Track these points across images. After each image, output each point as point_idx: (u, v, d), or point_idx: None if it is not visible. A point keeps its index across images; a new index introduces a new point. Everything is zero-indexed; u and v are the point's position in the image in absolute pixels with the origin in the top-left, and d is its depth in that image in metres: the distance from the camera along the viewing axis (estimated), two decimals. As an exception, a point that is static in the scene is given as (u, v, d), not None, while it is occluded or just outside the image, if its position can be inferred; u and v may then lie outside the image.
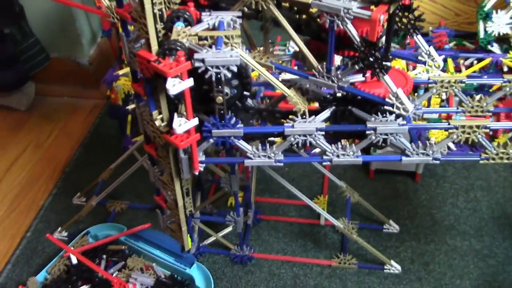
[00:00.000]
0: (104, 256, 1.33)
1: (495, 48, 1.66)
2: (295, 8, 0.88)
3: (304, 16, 0.89)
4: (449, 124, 0.87)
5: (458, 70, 1.66)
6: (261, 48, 0.96)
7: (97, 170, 1.53)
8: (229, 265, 1.37)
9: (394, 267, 1.31)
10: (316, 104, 0.97)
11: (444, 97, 1.54)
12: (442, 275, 1.31)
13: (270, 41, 0.96)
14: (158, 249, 1.35)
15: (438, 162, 0.91)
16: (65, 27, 1.88)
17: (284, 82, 0.95)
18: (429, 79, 0.97)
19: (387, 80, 0.82)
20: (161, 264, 1.32)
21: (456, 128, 0.87)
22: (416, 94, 1.40)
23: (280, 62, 0.95)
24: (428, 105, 1.47)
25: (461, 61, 1.69)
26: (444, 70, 1.63)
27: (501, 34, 1.63)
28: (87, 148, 1.79)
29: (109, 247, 1.35)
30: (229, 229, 1.42)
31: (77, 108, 1.99)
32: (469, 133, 0.88)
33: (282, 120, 0.97)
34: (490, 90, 1.52)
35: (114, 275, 1.28)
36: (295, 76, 0.93)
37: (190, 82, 0.79)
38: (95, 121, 1.91)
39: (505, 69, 1.61)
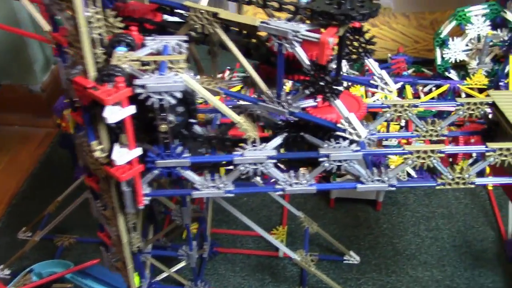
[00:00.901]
0: (48, 296, 1.24)
1: (453, 74, 1.67)
2: (244, 32, 0.85)
3: (253, 40, 0.85)
4: (403, 149, 0.84)
5: (416, 96, 1.66)
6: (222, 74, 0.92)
7: (46, 202, 1.45)
8: (183, 302, 1.30)
9: (354, 300, 1.26)
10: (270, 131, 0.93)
11: (403, 123, 1.53)
12: (404, 308, 1.27)
13: (229, 67, 0.92)
14: (108, 287, 1.27)
15: (394, 189, 0.87)
16: (17, 53, 1.81)
17: (234, 108, 0.91)
18: (383, 103, 0.94)
19: (338, 105, 0.78)
20: (109, 303, 1.24)
21: (411, 153, 0.84)
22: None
23: (238, 87, 0.91)
24: (387, 131, 1.46)
25: (420, 88, 1.69)
26: (403, 96, 1.63)
27: (458, 60, 1.64)
28: (37, 179, 1.70)
29: (53, 286, 1.27)
30: (183, 263, 1.35)
31: (28, 137, 1.90)
32: (424, 158, 0.84)
33: (233, 148, 0.92)
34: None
35: (58, 316, 1.19)
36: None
37: (131, 109, 0.74)
38: (47, 151, 1.82)
39: (463, 95, 1.62)
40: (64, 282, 1.28)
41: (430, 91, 1.66)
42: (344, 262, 1.38)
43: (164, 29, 0.90)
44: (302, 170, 0.87)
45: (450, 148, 0.85)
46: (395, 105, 0.95)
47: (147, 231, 1.35)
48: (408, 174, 1.50)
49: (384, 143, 1.46)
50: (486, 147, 0.85)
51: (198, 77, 0.89)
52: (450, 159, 1.57)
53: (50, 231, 1.44)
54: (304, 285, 1.31)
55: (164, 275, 1.33)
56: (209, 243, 1.38)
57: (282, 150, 0.91)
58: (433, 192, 1.59)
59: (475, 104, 0.96)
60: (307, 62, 0.76)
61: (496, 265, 1.37)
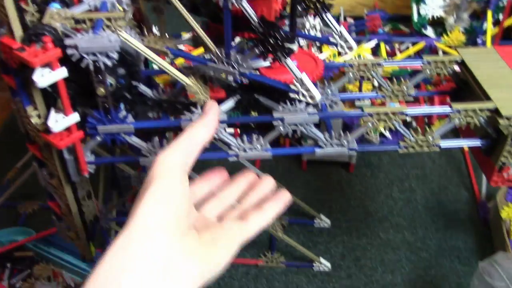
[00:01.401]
0: (9, 265, 1.21)
1: (429, 31, 1.61)
2: (191, -14, 0.78)
3: (201, -5, 0.79)
4: (363, 111, 0.79)
5: (393, 54, 1.60)
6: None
7: (8, 168, 1.40)
8: (149, 268, 1.27)
9: (323, 264, 1.24)
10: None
11: (376, 83, 1.47)
12: (373, 271, 1.24)
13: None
14: (71, 254, 1.24)
15: (355, 153, 0.83)
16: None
17: (185, 69, 0.85)
18: (344, 63, 0.88)
19: (289, 65, 0.73)
20: (71, 271, 1.21)
21: (371, 115, 0.79)
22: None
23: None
24: (360, 91, 1.40)
25: (396, 45, 1.63)
26: (378, 55, 1.57)
27: (435, 17, 1.57)
28: (1, 144, 1.64)
29: (15, 254, 1.23)
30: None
31: (-8, 100, 1.84)
32: (385, 120, 0.80)
33: (185, 112, 0.87)
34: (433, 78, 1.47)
35: (18, 285, 1.16)
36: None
37: (62, 72, 0.68)
38: (9, 116, 1.76)
39: (440, 53, 1.56)
40: (25, 250, 1.24)
41: (407, 48, 1.60)
42: (315, 225, 1.35)
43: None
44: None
45: (412, 110, 0.81)
46: (357, 65, 0.89)
47: (111, 197, 1.31)
48: (383, 135, 1.46)
49: (357, 103, 1.41)
50: (451, 107, 0.80)
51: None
52: (426, 120, 1.53)
53: (13, 198, 1.39)
54: (273, 249, 1.28)
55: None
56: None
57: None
58: (407, 153, 1.55)
59: (442, 62, 0.90)
60: (255, 19, 0.70)
61: (469, 226, 1.35)
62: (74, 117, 0.73)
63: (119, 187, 1.31)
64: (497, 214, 1.25)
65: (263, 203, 0.57)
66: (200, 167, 1.44)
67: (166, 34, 0.94)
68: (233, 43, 0.81)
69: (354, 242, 1.31)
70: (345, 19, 1.78)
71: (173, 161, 0.51)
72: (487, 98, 0.82)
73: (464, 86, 0.92)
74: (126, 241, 0.44)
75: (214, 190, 0.60)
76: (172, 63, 1.09)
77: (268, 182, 0.61)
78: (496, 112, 0.79)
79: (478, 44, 1.50)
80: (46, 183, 0.92)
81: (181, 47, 1.38)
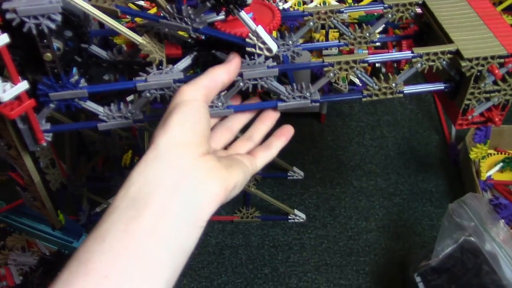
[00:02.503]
0: (-20, 238, 1.19)
1: (396, -27, 1.57)
2: None
3: None
4: (323, 61, 0.77)
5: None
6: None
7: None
8: (124, 231, 1.27)
9: (298, 216, 1.25)
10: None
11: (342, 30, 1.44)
12: (348, 219, 1.26)
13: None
14: (43, 223, 1.22)
15: (317, 104, 0.81)
16: None
17: (139, 27, 0.81)
18: (304, 11, 0.86)
19: (243, 17, 0.70)
20: (45, 239, 1.20)
21: (332, 65, 0.77)
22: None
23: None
24: (327, 40, 1.37)
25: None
26: (344, 1, 1.53)
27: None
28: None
29: (-16, 227, 1.22)
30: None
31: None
32: (346, 69, 0.78)
33: (140, 72, 0.84)
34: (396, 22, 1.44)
35: (-9, 258, 1.15)
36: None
37: (4, 38, 0.64)
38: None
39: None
40: (-4, 222, 1.23)
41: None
42: (289, 178, 1.35)
43: None
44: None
45: (372, 57, 0.79)
46: (317, 13, 0.86)
47: (79, 163, 1.29)
48: (353, 83, 1.44)
49: (324, 52, 1.39)
50: (412, 52, 0.78)
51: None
52: (395, 65, 1.52)
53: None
54: (247, 205, 1.28)
55: (104, 206, 1.29)
56: (147, 170, 1.33)
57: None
58: (378, 100, 1.54)
59: (404, 5, 0.88)
60: (204, -30, 0.66)
61: (440, 169, 1.36)
62: (23, 85, 0.70)
63: (87, 153, 1.29)
64: (467, 155, 1.26)
65: (269, 140, 0.66)
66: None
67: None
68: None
69: (328, 192, 1.32)
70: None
71: (195, 91, 0.58)
72: (449, 40, 0.80)
73: (427, 29, 0.90)
74: (154, 157, 0.49)
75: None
76: (133, 22, 1.05)
77: (273, 115, 0.69)
78: (458, 54, 0.78)
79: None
80: (5, 154, 0.89)
81: (142, 3, 1.34)
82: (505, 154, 1.36)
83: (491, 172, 1.31)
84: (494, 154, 1.36)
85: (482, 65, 0.77)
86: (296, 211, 1.24)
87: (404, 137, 1.44)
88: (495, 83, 0.81)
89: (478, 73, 0.79)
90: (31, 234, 1.20)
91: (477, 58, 0.77)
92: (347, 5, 0.92)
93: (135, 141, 1.25)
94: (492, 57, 0.77)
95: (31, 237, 1.19)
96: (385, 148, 1.41)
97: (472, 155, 1.21)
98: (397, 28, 1.51)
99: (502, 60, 0.78)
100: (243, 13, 0.69)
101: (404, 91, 0.84)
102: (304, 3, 1.47)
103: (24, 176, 0.91)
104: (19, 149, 0.82)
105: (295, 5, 1.39)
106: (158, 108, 1.11)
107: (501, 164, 1.33)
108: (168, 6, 0.73)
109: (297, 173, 1.34)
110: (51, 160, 0.96)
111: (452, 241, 1.05)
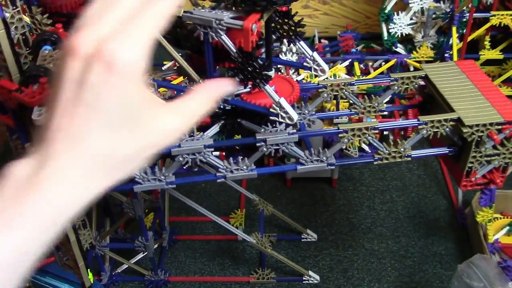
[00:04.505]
0: (7, 297, 1.23)
1: (400, 48, 1.69)
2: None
3: (182, 30, 0.85)
4: (338, 128, 0.85)
5: (367, 72, 1.68)
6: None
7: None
8: (144, 292, 1.31)
9: (312, 277, 1.29)
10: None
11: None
12: (361, 281, 1.30)
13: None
14: (67, 283, 1.27)
15: (333, 167, 0.89)
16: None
17: (170, 98, 0.91)
18: (318, 84, 0.95)
19: (268, 90, 0.79)
20: (70, 299, 1.24)
21: (346, 132, 0.85)
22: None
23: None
24: (337, 109, 1.47)
25: (370, 63, 1.71)
26: (353, 73, 1.65)
27: (404, 34, 1.66)
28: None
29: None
30: (144, 253, 1.36)
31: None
32: (359, 136, 0.86)
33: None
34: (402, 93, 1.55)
35: (18, 317, 1.19)
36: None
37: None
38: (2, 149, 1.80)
39: (411, 68, 1.65)
40: (23, 282, 1.27)
41: (380, 66, 1.68)
42: (302, 240, 1.41)
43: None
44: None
45: (383, 124, 0.87)
46: (331, 85, 0.96)
47: (103, 225, 1.35)
48: (363, 149, 1.53)
49: (335, 121, 1.48)
50: (418, 120, 0.87)
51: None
52: (402, 132, 1.61)
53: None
54: (263, 266, 1.33)
55: (124, 266, 1.34)
56: (167, 232, 1.39)
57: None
58: (386, 165, 1.62)
59: (408, 78, 0.97)
60: (234, 50, 0.76)
61: (449, 232, 1.41)
62: None
63: (111, 214, 1.36)
64: (474, 219, 1.31)
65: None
66: (189, 190, 1.49)
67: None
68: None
69: (340, 254, 1.37)
70: (319, 40, 1.87)
71: None
72: (451, 109, 0.89)
73: (430, 99, 1.00)
74: None
75: None
76: (157, 92, 1.15)
77: None
78: (459, 121, 0.86)
79: (445, 58, 1.58)
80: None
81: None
82: (511, 218, 1.41)
83: (498, 236, 1.36)
84: (500, 218, 1.42)
85: (482, 131, 0.86)
86: (310, 273, 1.29)
87: (413, 201, 1.50)
88: (494, 147, 0.89)
89: (479, 139, 0.87)
90: (56, 294, 1.24)
91: (477, 125, 0.85)
92: (357, 77, 1.01)
93: (157, 204, 1.32)
94: (491, 124, 0.85)
95: (55, 297, 1.24)
96: (395, 212, 1.47)
97: (479, 218, 1.26)
98: (402, 98, 1.62)
99: (500, 127, 0.86)
100: (267, 86, 0.79)
101: (412, 155, 0.92)
102: (315, 75, 1.59)
103: (60, 236, 0.98)
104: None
105: (307, 77, 1.50)
106: (182, 173, 1.18)
107: (507, 227, 1.38)
108: (200, 80, 0.83)
109: (310, 236, 1.39)
110: (82, 221, 1.03)
111: (463, 300, 1.09)
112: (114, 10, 0.38)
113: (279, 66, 1.42)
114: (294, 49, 1.54)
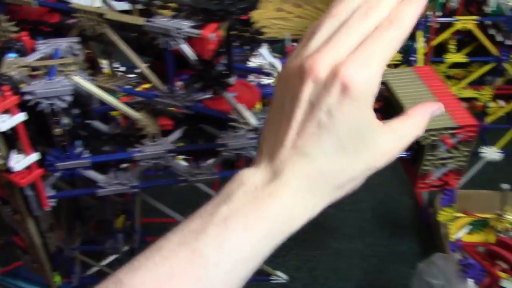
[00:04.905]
0: (-24, 301, 1.24)
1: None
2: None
3: (144, 37, 0.87)
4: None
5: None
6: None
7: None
8: (115, 293, 1.32)
9: (280, 277, 1.32)
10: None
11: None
12: (327, 280, 1.33)
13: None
14: (37, 285, 1.28)
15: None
16: None
17: (137, 103, 0.93)
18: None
19: (226, 97, 0.82)
20: (39, 302, 1.25)
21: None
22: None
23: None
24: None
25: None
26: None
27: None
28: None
29: (-19, 290, 1.27)
30: (115, 255, 1.37)
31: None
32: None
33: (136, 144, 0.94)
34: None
35: (-13, 320, 1.19)
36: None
37: (21, 117, 0.75)
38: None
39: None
40: (-8, 285, 1.28)
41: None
42: (272, 241, 1.43)
43: (60, 31, 0.91)
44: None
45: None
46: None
47: (74, 227, 1.36)
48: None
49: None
50: (374, 126, 0.90)
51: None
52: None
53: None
54: (233, 267, 1.35)
55: (95, 269, 1.35)
56: (138, 234, 1.40)
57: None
58: (355, 166, 1.65)
59: (368, 84, 1.00)
60: (193, 58, 0.78)
61: (413, 231, 1.45)
62: (34, 156, 0.80)
63: (81, 217, 1.37)
64: (436, 218, 1.35)
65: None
66: (162, 192, 1.51)
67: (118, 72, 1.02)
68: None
69: (308, 254, 1.40)
70: (291, 43, 1.89)
71: None
72: (407, 115, 0.92)
73: (390, 104, 1.03)
74: None
75: None
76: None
77: None
78: (413, 127, 0.89)
79: (412, 61, 1.62)
80: (10, 218, 0.97)
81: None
82: (472, 217, 1.46)
83: (460, 234, 1.41)
84: (462, 217, 1.46)
85: (436, 136, 0.89)
86: (278, 272, 1.32)
87: (379, 201, 1.54)
88: (448, 151, 0.92)
89: (433, 143, 0.90)
90: (26, 297, 1.25)
91: (431, 130, 0.89)
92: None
93: (127, 206, 1.33)
94: (444, 129, 0.89)
95: (26, 300, 1.25)
96: (362, 212, 1.51)
97: (440, 218, 1.30)
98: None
99: (453, 131, 0.90)
100: (226, 93, 0.81)
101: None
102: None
103: (26, 239, 0.99)
104: (25, 214, 0.91)
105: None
106: (150, 175, 1.20)
107: (469, 226, 1.43)
108: (162, 87, 0.85)
109: (279, 236, 1.42)
110: (50, 224, 1.04)
111: (423, 298, 1.12)
112: (348, 32, 0.39)
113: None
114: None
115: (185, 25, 0.76)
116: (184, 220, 0.41)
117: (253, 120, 0.83)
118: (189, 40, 0.78)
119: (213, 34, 0.75)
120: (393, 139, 0.42)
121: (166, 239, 0.40)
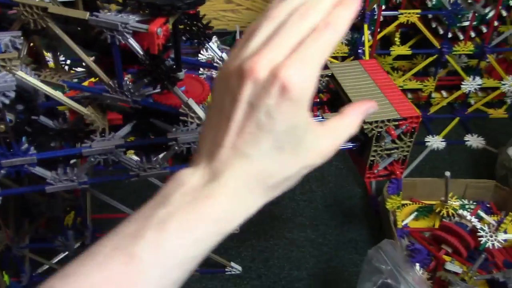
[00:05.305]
0: None
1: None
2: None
3: (90, 32, 0.86)
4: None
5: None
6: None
7: None
8: (67, 291, 1.30)
9: (234, 268, 1.33)
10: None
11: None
12: (281, 269, 1.35)
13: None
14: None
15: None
16: None
17: (84, 98, 0.91)
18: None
19: (176, 91, 0.82)
20: (-12, 303, 1.22)
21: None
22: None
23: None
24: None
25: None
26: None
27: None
28: None
29: None
30: (66, 252, 1.35)
31: None
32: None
33: (85, 140, 0.93)
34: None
35: None
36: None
37: (-39, 112, 0.73)
38: None
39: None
40: None
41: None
42: (225, 233, 1.44)
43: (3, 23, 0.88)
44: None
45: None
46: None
47: (23, 225, 1.33)
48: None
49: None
50: (322, 117, 0.92)
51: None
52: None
53: None
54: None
55: (45, 267, 1.32)
56: (90, 230, 1.38)
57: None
58: (306, 157, 1.68)
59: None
60: (141, 52, 0.78)
61: (363, 219, 1.49)
62: None
63: (30, 215, 1.34)
64: (385, 206, 1.40)
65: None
66: (113, 187, 1.49)
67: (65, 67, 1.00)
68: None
69: (262, 244, 1.42)
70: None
71: None
72: (353, 107, 0.94)
73: (337, 96, 1.05)
74: None
75: None
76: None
77: None
78: (360, 118, 0.92)
79: (359, 53, 1.66)
80: (-46, 218, 0.94)
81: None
82: (418, 204, 1.51)
83: (407, 221, 1.46)
84: (409, 204, 1.51)
85: (381, 127, 0.92)
86: (232, 264, 1.33)
87: (330, 191, 1.57)
88: (393, 142, 0.95)
89: (378, 134, 0.93)
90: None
91: (376, 121, 0.91)
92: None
93: (78, 202, 1.31)
94: (389, 120, 0.92)
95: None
96: (314, 201, 1.54)
97: (388, 206, 1.34)
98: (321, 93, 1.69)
99: (396, 123, 0.93)
100: (175, 88, 0.81)
101: (319, 150, 0.97)
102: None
103: (-29, 238, 0.96)
104: (-31, 212, 0.88)
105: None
106: (101, 170, 1.18)
107: (415, 213, 1.48)
108: (110, 82, 0.84)
109: (233, 228, 1.44)
110: (-4, 223, 1.02)
111: (371, 284, 1.16)
112: (286, 34, 0.40)
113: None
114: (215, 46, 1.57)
115: (132, 20, 0.76)
116: (119, 225, 0.41)
117: (202, 114, 0.83)
118: (136, 35, 0.78)
119: (160, 29, 0.75)
120: (328, 138, 0.44)
121: (101, 245, 0.40)
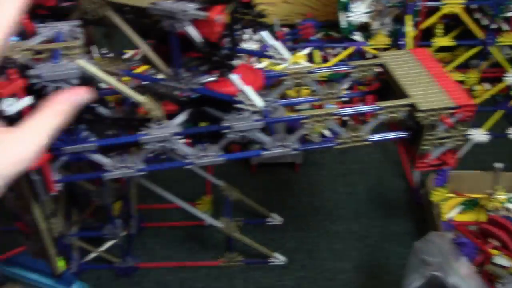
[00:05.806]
0: (-25, 289, 1.23)
1: (357, 36, 1.74)
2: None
3: (148, 20, 0.87)
4: (301, 115, 0.89)
5: (326, 59, 1.73)
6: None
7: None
8: (114, 278, 1.33)
9: (278, 259, 1.34)
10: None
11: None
12: (325, 261, 1.35)
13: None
14: (35, 272, 1.28)
15: (297, 152, 0.93)
16: None
17: (139, 87, 0.93)
18: (281, 72, 0.99)
19: (233, 79, 0.82)
20: (38, 288, 1.25)
21: (308, 118, 0.89)
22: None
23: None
24: (299, 96, 1.52)
25: (329, 51, 1.76)
26: (313, 60, 1.69)
27: (361, 22, 1.71)
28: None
29: (-19, 280, 1.26)
30: (113, 241, 1.37)
31: None
32: (321, 121, 0.90)
33: (141, 128, 0.95)
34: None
35: (-13, 308, 1.19)
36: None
37: (28, 100, 0.75)
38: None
39: (369, 55, 1.70)
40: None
41: (339, 53, 1.73)
42: (269, 224, 1.45)
43: (58, 14, 0.90)
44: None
45: (343, 110, 0.92)
46: (293, 73, 1.00)
47: (71, 214, 1.36)
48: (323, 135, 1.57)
49: (297, 107, 1.52)
50: (375, 106, 0.92)
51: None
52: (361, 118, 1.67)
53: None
54: (230, 250, 1.36)
55: (93, 255, 1.35)
56: (135, 219, 1.40)
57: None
58: (347, 150, 1.67)
59: (366, 65, 1.02)
60: (199, 40, 0.79)
61: (406, 212, 1.48)
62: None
63: (78, 204, 1.36)
64: (429, 199, 1.38)
65: None
66: (155, 178, 1.50)
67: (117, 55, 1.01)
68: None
69: (305, 236, 1.42)
70: (280, 28, 1.90)
71: None
72: (406, 95, 0.94)
73: (387, 86, 1.05)
74: None
75: None
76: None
77: None
78: (413, 107, 0.91)
79: (400, 45, 1.64)
80: (12, 204, 0.97)
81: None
82: (464, 197, 1.49)
83: (452, 214, 1.44)
84: (454, 197, 1.49)
85: (435, 116, 0.91)
86: (276, 255, 1.33)
87: (372, 183, 1.56)
88: (447, 130, 0.94)
89: (432, 122, 0.92)
90: (26, 284, 1.25)
91: (430, 110, 0.91)
92: (317, 65, 1.05)
93: (124, 192, 1.33)
94: (443, 109, 0.91)
95: (25, 286, 1.24)
96: (356, 194, 1.53)
97: (433, 198, 1.33)
98: (361, 84, 1.68)
99: (451, 111, 0.92)
100: (233, 75, 0.82)
101: (371, 139, 0.96)
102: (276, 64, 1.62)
103: (30, 225, 0.99)
104: (30, 199, 0.91)
105: (268, 65, 1.53)
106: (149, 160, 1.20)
107: (462, 206, 1.46)
108: (167, 70, 0.85)
109: (276, 219, 1.44)
110: (52, 210, 1.04)
111: (419, 275, 1.15)
112: None
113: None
114: (255, 38, 1.58)
115: (191, 7, 0.76)
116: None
117: (259, 102, 0.84)
118: (195, 22, 0.79)
119: (219, 16, 0.75)
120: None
121: None
